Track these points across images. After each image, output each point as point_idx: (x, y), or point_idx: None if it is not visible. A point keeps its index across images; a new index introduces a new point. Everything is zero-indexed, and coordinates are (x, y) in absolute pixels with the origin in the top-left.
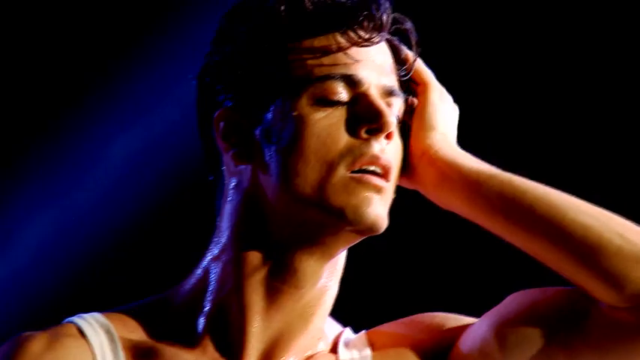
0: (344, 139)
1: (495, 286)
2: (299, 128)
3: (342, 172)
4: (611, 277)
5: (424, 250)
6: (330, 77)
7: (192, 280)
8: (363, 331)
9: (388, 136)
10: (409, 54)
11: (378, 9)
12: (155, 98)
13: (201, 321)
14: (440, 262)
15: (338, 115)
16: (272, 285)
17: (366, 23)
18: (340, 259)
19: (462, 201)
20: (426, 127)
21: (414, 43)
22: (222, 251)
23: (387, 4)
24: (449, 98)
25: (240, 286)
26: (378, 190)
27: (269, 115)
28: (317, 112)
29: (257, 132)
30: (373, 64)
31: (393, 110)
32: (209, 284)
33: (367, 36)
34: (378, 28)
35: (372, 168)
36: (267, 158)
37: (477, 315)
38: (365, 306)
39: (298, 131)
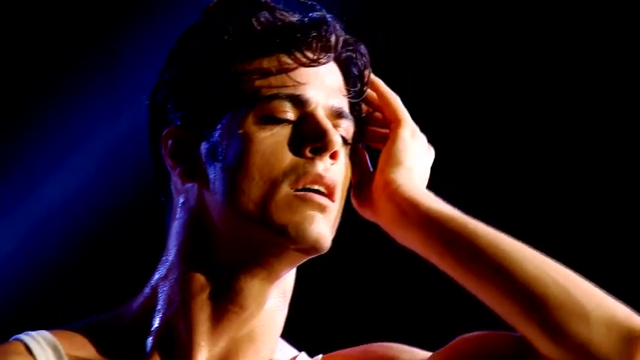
0: (288, 157)
1: (447, 312)
2: (244, 146)
3: (285, 189)
4: (552, 330)
5: (382, 274)
6: (277, 97)
7: (141, 298)
8: (320, 356)
9: (333, 156)
10: (365, 74)
11: (327, 30)
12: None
13: (150, 340)
14: (398, 286)
15: (284, 133)
16: (218, 305)
17: (314, 44)
18: (288, 280)
19: (416, 240)
20: (392, 161)
21: (361, 65)
22: (169, 270)
23: (337, 26)
24: (422, 138)
25: (187, 305)
26: (322, 208)
27: (216, 134)
28: (263, 130)
29: (203, 150)
30: (321, 85)
31: (341, 131)
32: (157, 303)
33: (315, 57)
34: (327, 50)
35: (315, 187)
36: (213, 176)
37: (428, 343)
38: (321, 329)
39: (243, 149)
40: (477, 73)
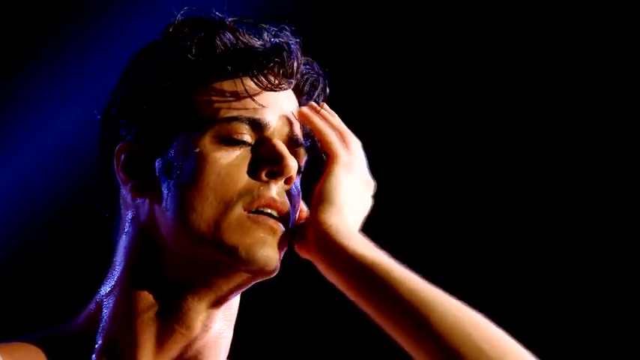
0: (244, 179)
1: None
2: (200, 165)
3: (238, 211)
4: None
5: (330, 299)
6: (237, 119)
7: (85, 313)
8: None
9: (288, 181)
10: (312, 105)
11: (288, 57)
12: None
13: (93, 357)
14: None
15: (241, 155)
16: (164, 324)
17: (275, 70)
18: (234, 305)
19: (340, 282)
20: (322, 200)
21: (317, 96)
22: (115, 286)
23: (299, 53)
24: (360, 172)
25: (132, 323)
26: (273, 231)
27: (172, 151)
28: (220, 150)
29: (158, 166)
30: (280, 110)
31: (300, 162)
32: (102, 319)
33: (276, 82)
34: (287, 76)
35: (268, 210)
36: (165, 193)
37: None
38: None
39: (199, 167)
40: (471, 78)
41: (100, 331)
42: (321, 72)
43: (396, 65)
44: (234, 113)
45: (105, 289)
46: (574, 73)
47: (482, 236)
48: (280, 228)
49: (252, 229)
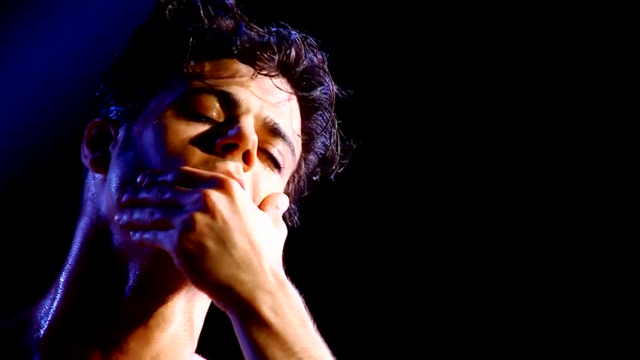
0: (199, 152)
1: None
2: (156, 136)
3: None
4: None
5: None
6: (204, 91)
7: (35, 304)
8: None
9: (247, 160)
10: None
11: (286, 47)
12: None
13: (34, 347)
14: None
15: (201, 129)
16: (111, 315)
17: (267, 55)
18: (196, 312)
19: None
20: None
21: (323, 102)
22: (64, 273)
23: (302, 49)
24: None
25: (76, 313)
26: None
27: (135, 125)
28: (179, 122)
29: (120, 139)
30: (263, 95)
31: (272, 149)
32: (49, 309)
33: (264, 65)
34: (282, 64)
35: None
36: (115, 165)
37: None
38: None
39: (154, 139)
40: (468, 78)
41: (44, 320)
42: (325, 71)
43: (397, 61)
44: (204, 86)
45: (59, 276)
46: (570, 76)
47: (481, 236)
48: None
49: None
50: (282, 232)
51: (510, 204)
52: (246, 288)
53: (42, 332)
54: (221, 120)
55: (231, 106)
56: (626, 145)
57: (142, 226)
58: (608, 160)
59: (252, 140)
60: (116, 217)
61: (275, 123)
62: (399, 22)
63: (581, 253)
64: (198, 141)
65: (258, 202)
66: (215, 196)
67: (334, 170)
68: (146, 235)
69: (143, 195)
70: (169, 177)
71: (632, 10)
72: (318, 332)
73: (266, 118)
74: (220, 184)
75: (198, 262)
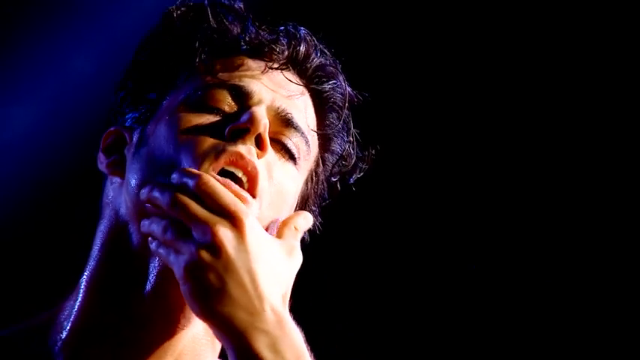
0: (209, 139)
1: None
2: (168, 130)
3: (205, 169)
4: None
5: None
6: (216, 86)
7: (56, 308)
8: None
9: (260, 145)
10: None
11: (296, 44)
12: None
13: (56, 350)
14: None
15: (212, 119)
16: (129, 321)
17: (275, 49)
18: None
19: None
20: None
21: (337, 98)
22: (84, 278)
23: (313, 46)
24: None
25: (96, 317)
26: (237, 197)
27: (150, 124)
28: (191, 115)
29: (134, 140)
30: (275, 87)
31: (286, 140)
32: (70, 312)
33: (274, 59)
34: (291, 61)
35: (232, 170)
36: (130, 165)
37: None
38: None
39: (167, 132)
40: (472, 81)
41: (67, 322)
42: (338, 70)
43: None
44: (215, 81)
45: (81, 279)
46: (572, 74)
47: (481, 237)
48: (244, 196)
49: None
50: (295, 263)
51: (510, 204)
52: (243, 326)
53: (65, 334)
54: (233, 111)
55: (244, 98)
56: (625, 144)
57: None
58: (607, 160)
59: (264, 124)
60: (141, 223)
61: (288, 113)
62: (411, 27)
63: (581, 253)
64: (209, 130)
65: (273, 190)
66: (223, 233)
67: (353, 174)
68: (160, 250)
69: (157, 198)
70: (189, 182)
71: (632, 10)
72: None
73: (278, 108)
74: (232, 217)
75: (198, 296)
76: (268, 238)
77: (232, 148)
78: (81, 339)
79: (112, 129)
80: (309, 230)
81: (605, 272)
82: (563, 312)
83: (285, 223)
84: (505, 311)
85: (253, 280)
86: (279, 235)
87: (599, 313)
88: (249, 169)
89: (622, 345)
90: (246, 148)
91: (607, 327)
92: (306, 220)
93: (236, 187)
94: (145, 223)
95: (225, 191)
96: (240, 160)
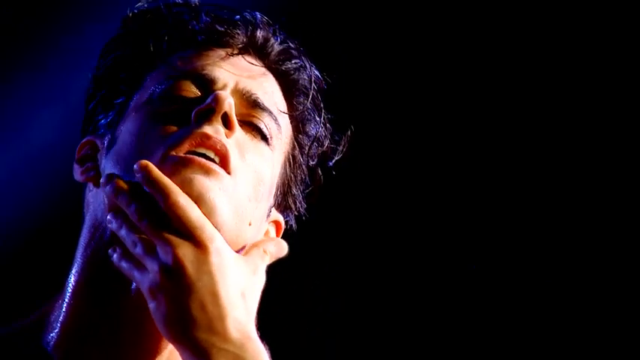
0: (175, 128)
1: None
2: (134, 124)
3: (166, 155)
4: None
5: None
6: (179, 77)
7: (40, 310)
8: None
9: (229, 125)
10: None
11: (252, 26)
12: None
13: (49, 350)
14: None
15: (177, 108)
16: (125, 319)
17: (230, 34)
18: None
19: None
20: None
21: (302, 79)
22: (70, 281)
23: (269, 28)
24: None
25: (85, 317)
26: (207, 170)
27: (117, 128)
28: (155, 109)
29: (105, 144)
30: (239, 72)
31: (256, 121)
32: (58, 314)
33: (233, 45)
34: (251, 45)
35: (202, 150)
36: (106, 166)
37: None
38: None
39: (132, 127)
40: (470, 77)
41: (57, 322)
42: (301, 52)
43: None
44: (178, 74)
45: (67, 279)
46: (572, 74)
47: (481, 236)
48: (218, 170)
49: (178, 171)
50: (259, 282)
51: (510, 204)
52: (205, 347)
53: (56, 334)
54: (198, 98)
55: (208, 85)
56: (625, 145)
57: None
58: (607, 160)
59: (229, 102)
60: (108, 217)
61: (253, 94)
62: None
63: (581, 254)
64: (174, 118)
65: (248, 171)
66: (185, 255)
67: (331, 157)
68: (123, 264)
69: (127, 205)
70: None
71: (632, 10)
72: None
73: (243, 89)
74: (196, 239)
75: (161, 316)
76: (233, 258)
77: (198, 130)
78: (72, 339)
79: (84, 140)
80: (298, 220)
81: (606, 271)
82: (564, 312)
83: (255, 245)
84: (505, 311)
85: (215, 302)
86: (246, 254)
87: (600, 312)
88: (219, 147)
89: (622, 345)
90: (213, 128)
91: (608, 327)
92: (277, 247)
93: (203, 160)
94: (114, 223)
95: (191, 211)
96: (207, 141)
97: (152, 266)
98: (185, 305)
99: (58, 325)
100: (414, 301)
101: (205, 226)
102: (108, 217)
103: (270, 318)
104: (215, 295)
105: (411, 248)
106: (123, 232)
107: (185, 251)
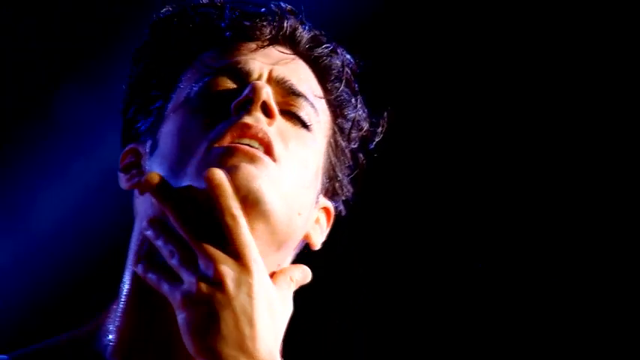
0: (216, 121)
1: None
2: (174, 124)
3: (211, 148)
4: None
5: None
6: (215, 74)
7: (98, 317)
8: None
9: (268, 113)
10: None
11: (279, 17)
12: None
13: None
14: None
15: (217, 104)
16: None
17: (258, 26)
18: None
19: None
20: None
21: (334, 63)
22: (123, 289)
23: (294, 18)
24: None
25: (142, 320)
26: (252, 158)
27: (158, 132)
28: (195, 107)
29: (148, 150)
30: (272, 62)
31: (295, 109)
32: (113, 320)
33: (262, 36)
34: (278, 34)
35: (245, 141)
36: (148, 169)
37: None
38: None
39: (173, 127)
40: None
41: (112, 328)
42: (330, 39)
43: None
44: (213, 70)
45: (119, 291)
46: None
47: (487, 235)
48: (263, 157)
49: (223, 161)
50: (287, 313)
51: (516, 203)
52: None
53: (112, 340)
54: (235, 92)
55: (243, 78)
56: (631, 143)
57: (155, 266)
58: (611, 160)
59: (266, 91)
60: (144, 224)
61: (288, 80)
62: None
63: (588, 253)
64: (213, 114)
65: (292, 159)
66: (226, 270)
67: (372, 139)
68: (150, 275)
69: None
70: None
71: (632, 10)
72: None
73: (277, 77)
74: (240, 257)
75: (192, 327)
76: (269, 284)
77: (239, 121)
78: (127, 344)
79: (126, 149)
80: (348, 202)
81: (609, 270)
82: (570, 310)
83: (282, 272)
84: (510, 309)
85: (249, 322)
86: (274, 282)
87: (603, 311)
88: (261, 135)
89: (626, 344)
90: (254, 118)
91: (610, 325)
92: (303, 274)
93: (247, 148)
94: (150, 232)
95: (245, 231)
96: (249, 130)
97: (189, 278)
98: (219, 320)
99: (114, 330)
100: (442, 293)
101: (253, 248)
102: (144, 224)
103: (303, 312)
104: (249, 316)
105: (416, 248)
106: (160, 242)
107: (228, 268)
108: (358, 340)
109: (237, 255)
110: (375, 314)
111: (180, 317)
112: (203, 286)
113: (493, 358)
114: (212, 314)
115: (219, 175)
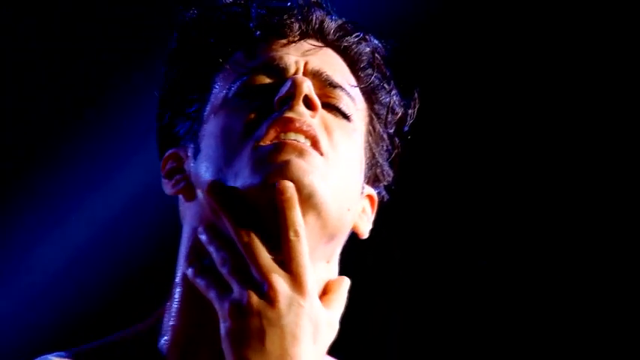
0: (259, 120)
1: None
2: (216, 125)
3: (256, 145)
4: None
5: None
6: (251, 72)
7: (151, 318)
8: None
9: (311, 107)
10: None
11: (306, 12)
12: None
13: (164, 350)
14: None
15: (258, 103)
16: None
17: (287, 22)
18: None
19: None
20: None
21: (364, 52)
22: (175, 289)
23: (321, 11)
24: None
25: (195, 318)
26: (300, 151)
27: (199, 135)
28: (235, 106)
29: (190, 153)
30: (306, 55)
31: (332, 101)
32: (167, 318)
33: (291, 31)
34: (308, 28)
35: (291, 136)
36: (195, 171)
37: None
38: None
39: (216, 128)
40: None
41: (168, 325)
42: (359, 27)
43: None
44: (248, 69)
45: (173, 290)
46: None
47: (492, 233)
48: (310, 151)
49: (272, 158)
50: (332, 334)
51: (521, 201)
52: None
53: (168, 338)
54: (274, 89)
55: (281, 73)
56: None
57: (204, 271)
58: (615, 159)
59: (307, 85)
60: (199, 229)
61: (324, 72)
62: None
63: (593, 251)
64: (256, 113)
65: (338, 151)
66: (281, 286)
67: (406, 121)
68: (199, 280)
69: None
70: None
71: (632, 10)
72: None
73: (313, 69)
74: (295, 276)
75: (234, 337)
76: (320, 307)
77: (282, 116)
78: (183, 342)
79: (167, 154)
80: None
81: (612, 269)
82: (574, 310)
83: (334, 290)
84: (514, 308)
85: (293, 342)
86: (327, 301)
87: (606, 310)
88: (305, 128)
89: (631, 344)
90: (296, 112)
91: (613, 324)
92: (347, 285)
93: (295, 142)
94: (204, 236)
95: (305, 249)
96: (292, 124)
97: (239, 288)
98: (264, 335)
99: (169, 328)
100: (423, 301)
101: (309, 269)
102: (199, 228)
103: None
104: (294, 336)
105: (420, 245)
106: (212, 248)
107: (283, 284)
108: (394, 323)
109: (292, 273)
110: (412, 298)
111: (224, 326)
112: (254, 299)
113: (526, 346)
114: (259, 329)
115: (292, 189)
